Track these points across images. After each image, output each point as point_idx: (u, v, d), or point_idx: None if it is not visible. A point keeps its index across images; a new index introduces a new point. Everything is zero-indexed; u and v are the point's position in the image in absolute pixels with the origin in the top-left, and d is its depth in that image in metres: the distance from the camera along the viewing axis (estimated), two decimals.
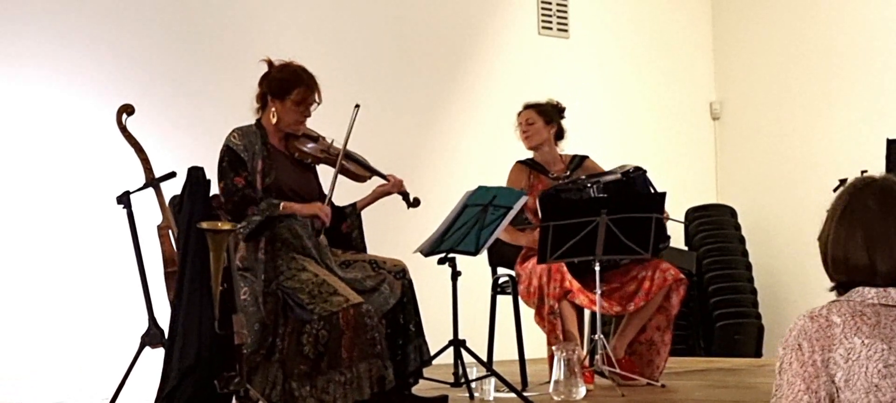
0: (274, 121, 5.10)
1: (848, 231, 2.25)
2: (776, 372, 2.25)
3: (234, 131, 5.07)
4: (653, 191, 5.92)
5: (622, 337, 5.91)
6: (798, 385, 2.20)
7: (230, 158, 5.00)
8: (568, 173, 6.16)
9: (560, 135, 6.27)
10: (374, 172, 5.31)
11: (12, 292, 6.58)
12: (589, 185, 5.84)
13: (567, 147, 6.36)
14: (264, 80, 5.13)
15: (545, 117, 6.22)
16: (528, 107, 6.28)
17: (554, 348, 5.41)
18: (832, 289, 2.31)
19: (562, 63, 9.16)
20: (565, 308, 5.74)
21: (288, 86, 5.07)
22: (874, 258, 2.23)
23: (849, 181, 2.35)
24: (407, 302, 5.13)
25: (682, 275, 5.91)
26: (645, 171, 6.00)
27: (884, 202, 2.27)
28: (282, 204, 4.94)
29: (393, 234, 6.76)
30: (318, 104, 5.12)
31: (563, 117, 6.29)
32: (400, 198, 5.32)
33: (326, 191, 5.15)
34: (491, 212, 5.25)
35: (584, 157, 6.29)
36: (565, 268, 5.75)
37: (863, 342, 2.18)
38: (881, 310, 2.22)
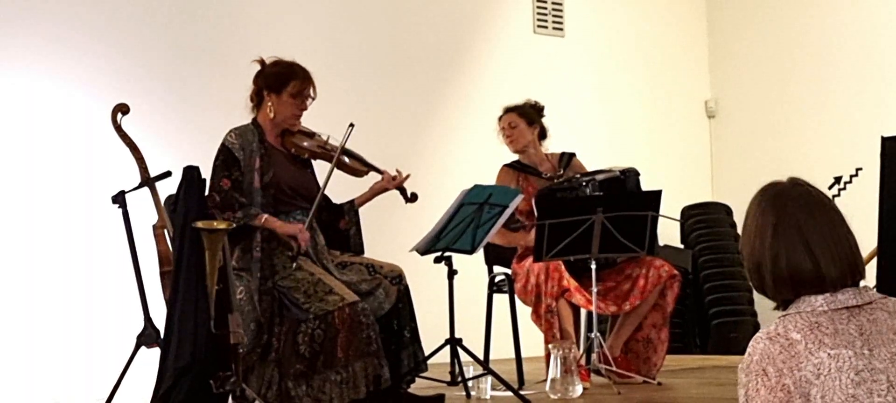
0: (271, 116, 5.09)
1: (787, 247, 2.23)
2: (741, 399, 2.20)
3: (231, 131, 5.06)
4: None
5: (618, 336, 5.91)
6: None
7: (224, 157, 4.99)
8: (561, 172, 6.15)
9: (543, 134, 6.26)
10: (371, 168, 5.30)
11: (7, 291, 6.57)
12: (584, 183, 5.84)
13: (560, 144, 6.35)
14: (259, 77, 5.13)
15: (527, 119, 6.20)
16: (508, 110, 6.25)
17: (550, 346, 5.41)
18: (776, 308, 2.28)
19: (557, 61, 9.16)
20: (562, 306, 5.74)
21: (284, 79, 5.07)
22: (820, 266, 2.21)
23: (757, 197, 2.32)
24: (402, 308, 5.11)
25: (675, 271, 5.92)
26: (639, 174, 6.00)
27: (810, 208, 2.25)
28: (264, 217, 4.92)
29: (389, 235, 6.76)
30: (314, 98, 5.12)
31: (543, 116, 6.26)
32: (397, 195, 5.32)
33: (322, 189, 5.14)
34: (487, 211, 5.25)
35: (572, 155, 6.28)
36: (563, 267, 5.75)
37: (829, 354, 2.16)
38: (834, 316, 2.20)
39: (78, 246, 6.78)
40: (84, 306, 6.75)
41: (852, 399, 2.14)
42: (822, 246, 2.21)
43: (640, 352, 5.96)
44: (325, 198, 5.22)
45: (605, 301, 5.78)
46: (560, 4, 9.21)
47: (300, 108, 5.12)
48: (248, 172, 4.99)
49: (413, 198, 5.28)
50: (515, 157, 6.24)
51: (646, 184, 6.10)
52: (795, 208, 2.25)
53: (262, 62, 5.13)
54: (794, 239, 2.22)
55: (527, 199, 5.89)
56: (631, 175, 5.96)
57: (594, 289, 5.60)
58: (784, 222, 2.24)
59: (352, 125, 5.06)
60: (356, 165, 5.27)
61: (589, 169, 6.19)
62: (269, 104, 5.09)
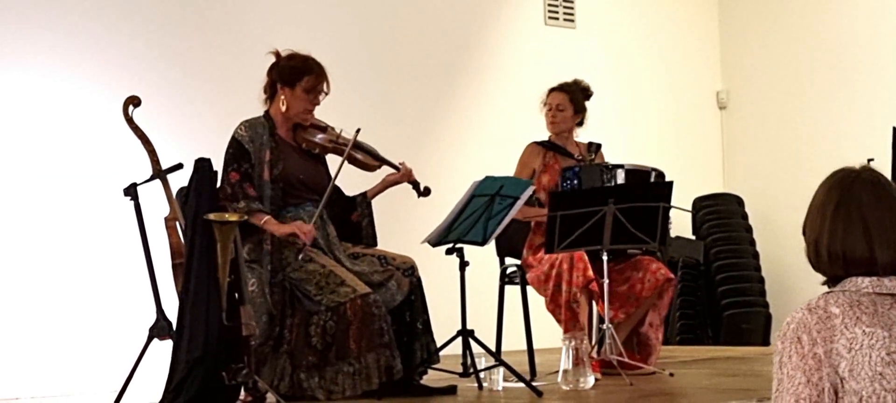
0: (283, 109, 5.10)
1: (845, 224, 2.26)
2: (776, 367, 2.25)
3: (241, 123, 5.07)
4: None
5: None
6: (798, 378, 2.21)
7: (234, 150, 5.01)
8: (593, 157, 6.14)
9: (581, 123, 6.21)
10: (384, 161, 5.30)
11: (21, 285, 6.59)
12: (612, 167, 5.86)
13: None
14: (274, 69, 5.14)
15: (575, 106, 6.11)
16: (559, 89, 6.13)
17: (562, 337, 5.40)
18: (825, 282, 2.32)
19: (568, 53, 9.14)
20: (583, 297, 5.73)
21: (298, 73, 5.08)
22: (874, 249, 2.24)
23: (832, 175, 2.35)
24: (414, 300, 5.12)
25: (671, 275, 5.92)
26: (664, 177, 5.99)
27: (877, 193, 2.28)
28: (265, 219, 4.91)
29: (401, 227, 6.76)
30: (327, 94, 5.13)
31: (588, 101, 6.17)
32: (410, 188, 5.32)
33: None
34: (498, 202, 5.25)
35: (599, 145, 6.26)
36: (587, 257, 5.73)
37: (864, 331, 2.19)
38: (877, 299, 2.23)
39: (90, 238, 6.79)
40: (96, 298, 6.76)
41: (879, 378, 2.17)
42: (879, 231, 2.25)
43: (644, 344, 5.98)
44: (338, 191, 5.23)
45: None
46: None
47: (313, 103, 5.13)
48: (257, 164, 5.00)
49: (426, 192, 5.29)
50: (546, 135, 6.18)
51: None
52: (861, 190, 2.28)
53: (277, 54, 5.14)
54: (854, 219, 2.26)
55: (552, 177, 5.87)
56: (657, 175, 5.98)
57: (605, 281, 5.59)
58: (847, 200, 2.28)
59: (358, 130, 5.08)
60: (368, 159, 5.28)
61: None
62: (282, 97, 5.10)
